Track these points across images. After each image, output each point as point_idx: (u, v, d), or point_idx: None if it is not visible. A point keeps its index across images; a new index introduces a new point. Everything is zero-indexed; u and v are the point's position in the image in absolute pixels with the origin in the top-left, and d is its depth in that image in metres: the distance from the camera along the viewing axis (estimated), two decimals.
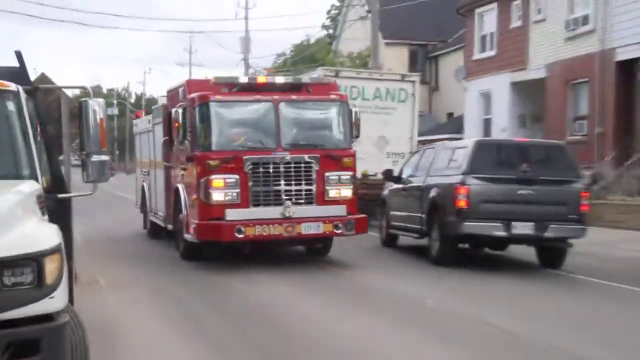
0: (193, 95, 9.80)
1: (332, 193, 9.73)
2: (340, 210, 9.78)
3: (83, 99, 4.70)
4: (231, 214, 9.18)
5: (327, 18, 44.97)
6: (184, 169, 10.37)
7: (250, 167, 9.33)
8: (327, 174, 9.70)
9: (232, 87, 9.98)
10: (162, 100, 12.84)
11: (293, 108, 9.86)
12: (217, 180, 9.20)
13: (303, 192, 9.62)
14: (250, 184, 9.33)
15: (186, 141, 9.76)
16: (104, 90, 68.97)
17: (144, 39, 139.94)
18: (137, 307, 7.75)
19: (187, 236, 9.92)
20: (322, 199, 9.70)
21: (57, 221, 4.27)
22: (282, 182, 9.48)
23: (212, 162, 9.27)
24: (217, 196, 9.21)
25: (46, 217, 4.28)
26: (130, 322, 6.89)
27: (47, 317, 3.71)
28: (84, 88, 5.09)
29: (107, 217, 18.65)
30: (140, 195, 14.48)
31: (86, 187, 4.88)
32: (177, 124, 9.82)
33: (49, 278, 3.63)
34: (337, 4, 43.81)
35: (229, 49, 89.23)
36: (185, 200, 10.28)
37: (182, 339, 6.23)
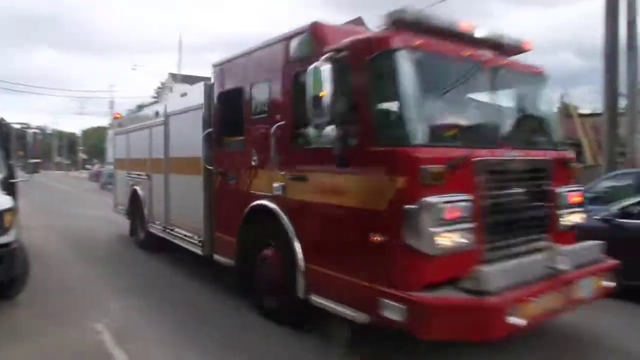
0: (368, 36, 5.30)
1: (570, 218, 6.03)
2: (596, 250, 5.86)
3: (25, 128, 8.58)
4: (494, 279, 4.58)
5: None
6: (302, 179, 5.88)
7: (489, 178, 5.04)
8: (558, 189, 5.86)
9: (416, 31, 5.27)
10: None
11: (506, 80, 5.78)
12: (452, 208, 4.66)
13: (537, 220, 5.65)
14: (488, 208, 5.03)
15: (335, 126, 5.15)
16: None
17: None
18: None
19: (359, 316, 5.00)
20: (554, 228, 5.82)
21: (11, 194, 7.40)
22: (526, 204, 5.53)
23: (433, 169, 4.63)
24: (449, 239, 4.64)
25: (5, 192, 7.59)
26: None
27: (6, 245, 6.56)
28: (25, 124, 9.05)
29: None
30: (128, 200, 12.68)
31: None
32: (321, 93, 5.02)
33: (7, 223, 6.77)
34: None
35: None
36: (297, 235, 5.92)
37: None
